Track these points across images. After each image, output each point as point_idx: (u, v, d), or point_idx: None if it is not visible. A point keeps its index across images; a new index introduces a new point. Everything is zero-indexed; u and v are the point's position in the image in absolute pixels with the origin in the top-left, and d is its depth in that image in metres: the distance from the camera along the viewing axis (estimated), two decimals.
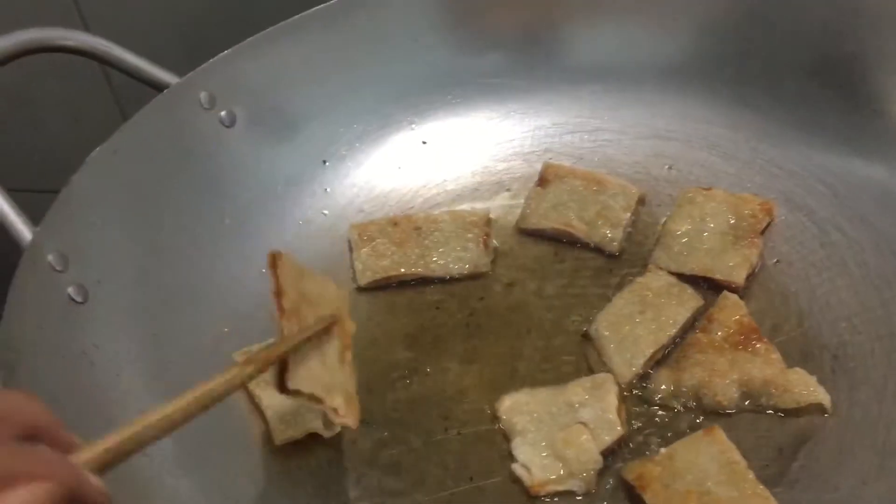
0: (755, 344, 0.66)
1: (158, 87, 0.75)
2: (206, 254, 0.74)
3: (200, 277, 0.72)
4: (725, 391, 0.64)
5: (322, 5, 0.79)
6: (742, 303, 0.68)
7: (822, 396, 0.62)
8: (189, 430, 0.62)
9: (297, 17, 0.78)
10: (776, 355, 0.65)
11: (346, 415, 0.57)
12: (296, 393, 0.54)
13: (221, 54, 0.76)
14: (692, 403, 0.64)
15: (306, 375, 0.55)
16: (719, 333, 0.67)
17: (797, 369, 0.64)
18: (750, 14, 0.78)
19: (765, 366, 0.64)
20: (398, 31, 0.81)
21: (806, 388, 0.63)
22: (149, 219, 0.71)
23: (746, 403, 0.64)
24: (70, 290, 0.64)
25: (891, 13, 0.73)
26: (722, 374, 0.64)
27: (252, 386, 0.66)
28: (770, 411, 0.63)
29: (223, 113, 0.77)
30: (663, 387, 0.65)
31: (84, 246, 0.66)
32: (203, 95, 0.76)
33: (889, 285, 0.68)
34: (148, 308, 0.68)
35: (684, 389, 0.65)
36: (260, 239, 0.76)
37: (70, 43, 0.74)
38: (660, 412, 0.65)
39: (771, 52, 0.78)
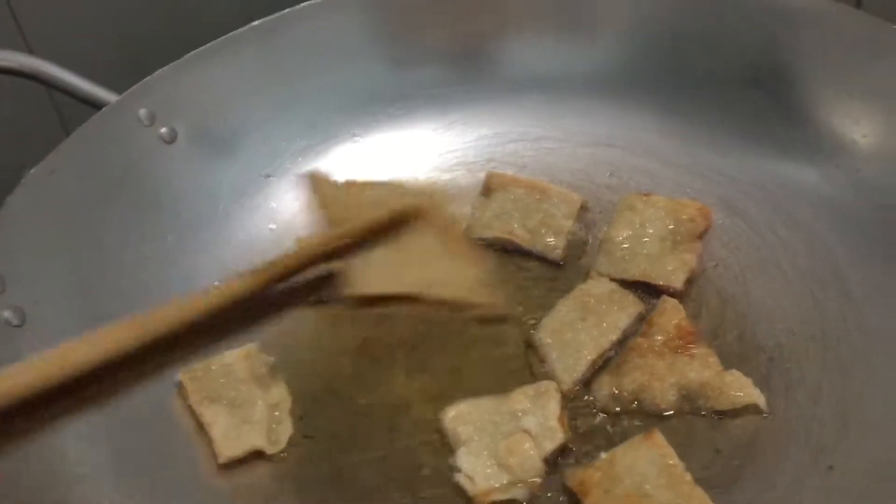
0: (693, 348, 0.67)
1: (98, 105, 0.75)
2: (149, 272, 0.73)
3: (143, 296, 0.71)
4: (664, 395, 0.65)
5: (259, 21, 0.79)
6: (681, 307, 0.69)
7: (757, 398, 0.64)
8: (131, 452, 0.63)
9: (234, 32, 0.78)
10: (713, 358, 0.66)
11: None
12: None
13: (160, 71, 0.76)
14: (633, 406, 0.65)
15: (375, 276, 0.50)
16: (659, 338, 0.68)
17: (733, 371, 0.65)
18: (681, 25, 0.79)
19: (702, 369, 0.65)
20: (335, 46, 0.81)
21: (741, 389, 0.64)
22: (89, 238, 0.71)
23: (685, 406, 0.65)
24: (6, 313, 0.63)
25: (814, 23, 0.75)
26: (661, 377, 0.65)
27: (195, 404, 0.66)
28: (706, 413, 0.64)
29: (163, 129, 0.77)
30: (604, 392, 0.66)
31: (21, 267, 0.66)
32: (142, 112, 0.76)
33: (822, 287, 0.69)
34: (88, 328, 0.67)
35: (625, 394, 0.65)
36: (204, 256, 0.76)
37: (8, 64, 0.74)
38: (603, 417, 0.65)
39: (705, 61, 0.79)
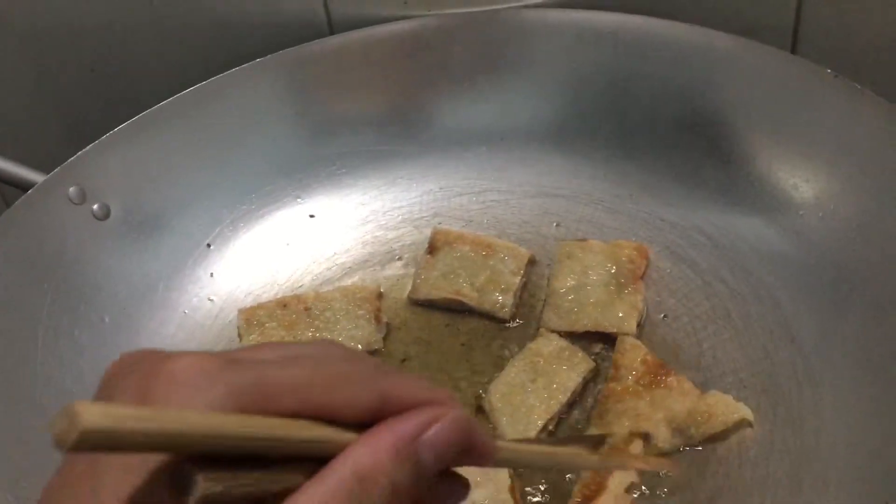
0: (666, 378, 0.66)
1: (26, 187, 0.73)
2: (85, 358, 0.71)
3: (79, 385, 0.69)
4: (658, 433, 0.64)
5: (186, 90, 0.77)
6: (640, 343, 0.68)
7: (744, 411, 0.63)
8: None
9: (162, 103, 0.76)
10: (689, 384, 0.65)
11: None
12: None
13: (88, 147, 0.74)
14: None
15: None
16: (630, 378, 0.66)
17: (713, 392, 0.64)
18: (616, 72, 0.79)
19: (683, 397, 0.64)
20: (267, 109, 0.80)
21: (727, 407, 0.63)
22: (20, 329, 0.69)
23: (678, 441, 0.64)
24: None
25: (747, 68, 0.74)
26: (647, 417, 0.64)
27: None
28: (699, 447, 0.63)
29: (95, 206, 0.75)
30: None
31: None
32: (72, 191, 0.74)
33: (771, 335, 0.68)
34: (23, 425, 0.65)
35: (618, 442, 0.64)
36: (143, 333, 0.74)
37: None
38: (553, 485, 0.64)
39: (644, 109, 0.78)
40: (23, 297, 0.70)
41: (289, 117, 0.82)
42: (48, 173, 0.73)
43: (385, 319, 0.75)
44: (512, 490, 0.63)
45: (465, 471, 0.63)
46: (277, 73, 0.82)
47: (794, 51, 0.81)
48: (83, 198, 0.74)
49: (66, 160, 0.74)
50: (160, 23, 0.85)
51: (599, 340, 0.71)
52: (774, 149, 0.74)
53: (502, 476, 0.63)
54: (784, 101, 0.73)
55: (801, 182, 0.72)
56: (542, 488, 0.64)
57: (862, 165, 0.69)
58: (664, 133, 0.78)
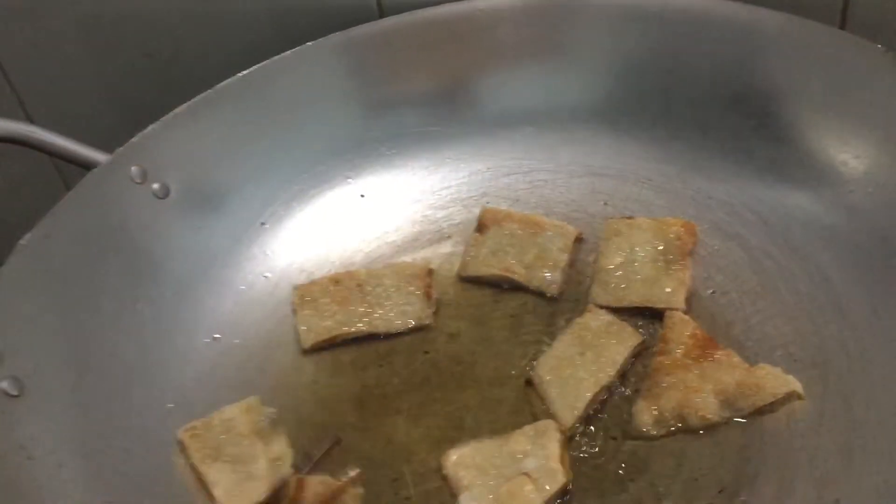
0: (715, 353, 0.67)
1: (89, 166, 0.75)
2: (147, 330, 0.73)
3: (142, 355, 0.72)
4: (706, 404, 0.64)
5: (244, 72, 0.79)
6: (688, 318, 0.69)
7: (793, 384, 0.64)
8: None
9: (220, 85, 0.78)
10: (737, 358, 0.66)
11: None
12: None
13: (149, 128, 0.77)
14: (679, 426, 0.65)
15: None
16: (678, 352, 0.67)
17: (762, 365, 0.65)
18: (664, 52, 0.79)
19: (732, 370, 0.65)
20: (321, 92, 0.82)
21: (777, 379, 0.64)
22: (85, 302, 0.71)
23: (727, 412, 0.64)
24: (4, 384, 0.63)
25: (798, 45, 0.74)
26: (696, 389, 0.65)
27: (197, 463, 0.66)
28: (744, 419, 0.64)
29: (156, 185, 0.77)
30: (645, 418, 0.66)
31: (17, 336, 0.66)
32: (134, 170, 0.76)
33: (821, 312, 0.69)
34: (88, 393, 0.68)
35: (667, 414, 0.65)
36: (202, 308, 0.77)
37: None
38: (603, 455, 0.65)
39: (691, 87, 0.79)
40: (88, 273, 0.72)
41: (340, 99, 0.84)
42: (109, 154, 0.75)
43: (435, 296, 0.77)
44: (561, 459, 0.64)
45: (515, 440, 0.65)
46: (329, 57, 0.83)
47: (843, 27, 0.81)
48: (144, 177, 0.76)
49: (122, 143, 0.76)
50: (214, 8, 0.87)
51: (647, 316, 0.72)
52: (823, 125, 0.74)
53: (552, 445, 0.64)
54: (833, 77, 0.73)
55: (850, 158, 0.72)
56: (591, 460, 0.65)
57: None
58: (712, 111, 0.79)
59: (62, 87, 0.91)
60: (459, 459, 0.66)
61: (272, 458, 0.67)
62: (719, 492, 0.61)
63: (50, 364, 0.67)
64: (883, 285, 0.67)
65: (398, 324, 0.75)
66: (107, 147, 0.76)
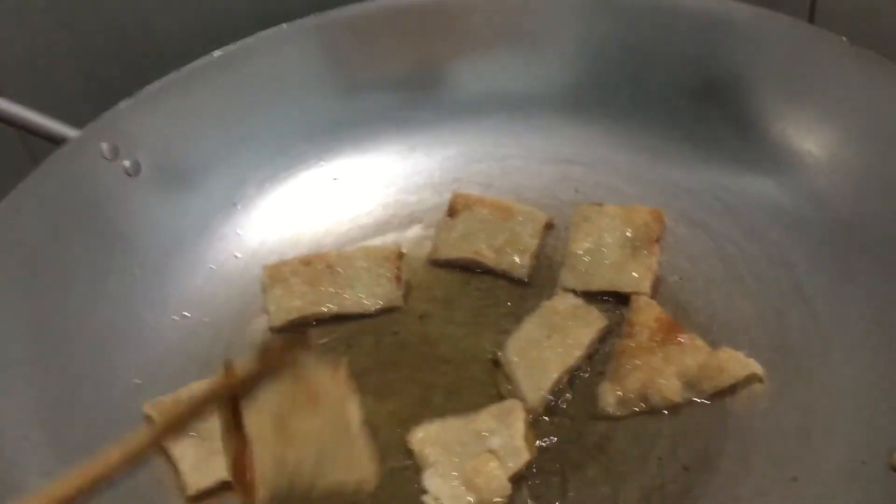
0: (679, 336, 0.68)
1: (58, 141, 0.75)
2: (116, 306, 0.73)
3: (110, 331, 0.72)
4: (669, 386, 0.66)
5: (219, 51, 0.79)
6: (654, 302, 0.71)
7: (754, 367, 0.65)
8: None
9: (194, 63, 0.78)
10: (700, 342, 0.67)
11: None
12: None
13: (121, 103, 0.77)
14: (642, 406, 0.66)
15: None
16: (644, 335, 0.69)
17: (724, 349, 0.66)
18: (635, 42, 0.80)
19: (695, 353, 0.67)
20: (296, 74, 0.82)
21: (738, 362, 0.65)
22: (53, 276, 0.71)
23: (690, 394, 0.66)
24: None
25: (764, 36, 0.76)
26: (660, 371, 0.66)
27: None
28: (706, 400, 0.65)
29: (127, 162, 0.77)
30: (610, 399, 0.67)
31: None
32: (104, 146, 0.76)
33: (782, 297, 0.70)
34: (53, 366, 0.68)
35: (631, 395, 0.66)
36: (171, 286, 0.77)
37: None
38: (567, 435, 0.66)
39: (661, 77, 0.80)
40: (56, 248, 0.72)
41: (314, 82, 0.84)
42: (80, 129, 0.75)
43: (405, 278, 0.77)
44: (526, 437, 0.64)
45: (481, 419, 0.65)
46: (303, 39, 0.84)
47: (811, 20, 0.83)
48: (115, 154, 0.76)
49: (92, 119, 0.76)
50: None
51: (614, 300, 0.73)
52: (789, 115, 0.75)
53: (517, 424, 0.65)
54: (799, 69, 0.74)
55: (814, 147, 0.74)
56: (555, 439, 0.66)
57: (875, 132, 0.71)
58: (681, 101, 0.80)
59: (32, 59, 0.90)
60: (425, 437, 0.66)
61: None
62: (683, 469, 0.62)
63: (14, 337, 0.66)
64: (844, 272, 0.69)
65: (367, 304, 0.76)
66: (77, 123, 0.76)
